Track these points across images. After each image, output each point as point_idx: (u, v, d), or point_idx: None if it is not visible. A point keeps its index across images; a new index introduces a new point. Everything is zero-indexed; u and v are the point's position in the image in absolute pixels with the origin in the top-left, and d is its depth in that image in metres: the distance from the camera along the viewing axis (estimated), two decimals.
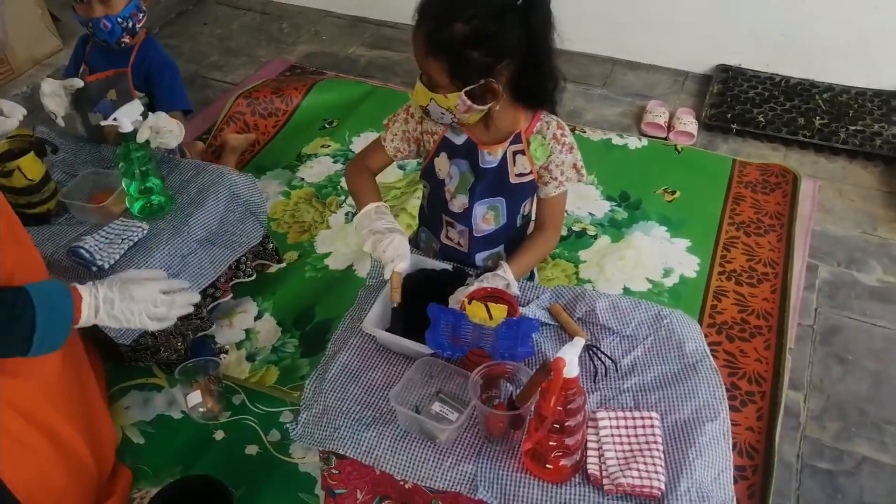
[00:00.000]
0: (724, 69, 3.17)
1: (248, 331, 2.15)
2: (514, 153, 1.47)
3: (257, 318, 2.19)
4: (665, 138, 2.89)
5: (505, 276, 1.48)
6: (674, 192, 2.60)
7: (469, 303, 1.34)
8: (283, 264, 2.33)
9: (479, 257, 1.63)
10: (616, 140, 2.87)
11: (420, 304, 1.49)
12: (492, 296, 1.41)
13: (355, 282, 2.27)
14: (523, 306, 1.52)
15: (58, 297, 1.31)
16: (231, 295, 2.12)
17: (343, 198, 2.61)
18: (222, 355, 2.07)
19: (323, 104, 3.06)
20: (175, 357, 1.96)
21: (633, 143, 2.85)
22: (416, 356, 1.42)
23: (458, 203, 1.54)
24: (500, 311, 1.34)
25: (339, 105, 3.06)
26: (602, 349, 1.46)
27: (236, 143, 2.72)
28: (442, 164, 1.53)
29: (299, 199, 2.62)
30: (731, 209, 2.52)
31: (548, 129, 1.46)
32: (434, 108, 1.36)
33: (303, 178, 2.71)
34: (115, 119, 1.76)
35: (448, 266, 1.59)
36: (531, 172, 1.49)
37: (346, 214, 2.54)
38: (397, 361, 1.47)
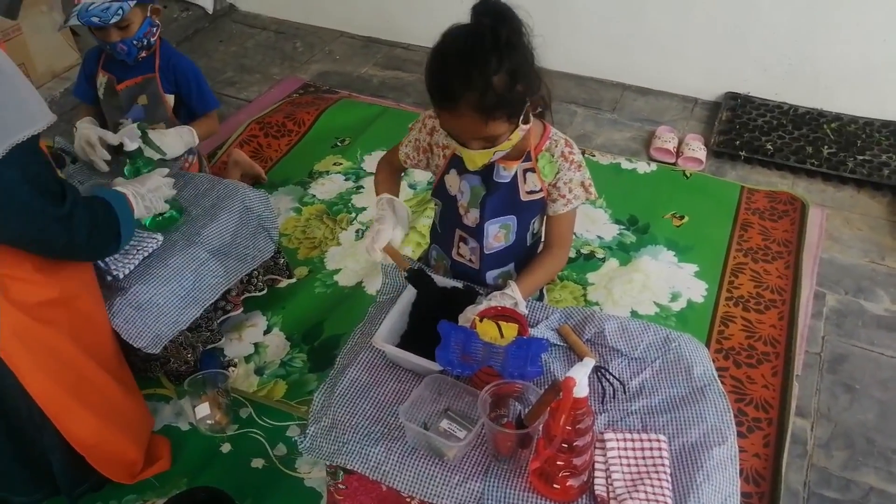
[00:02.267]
0: (733, 97, 3.21)
1: (256, 345, 2.17)
2: (525, 171, 1.50)
3: (266, 332, 2.20)
4: (674, 164, 2.91)
5: (513, 295, 1.49)
6: (682, 217, 2.62)
7: (480, 321, 1.35)
8: (294, 279, 2.34)
9: (490, 275, 1.65)
10: (625, 164, 2.89)
11: (430, 321, 1.50)
12: (501, 315, 1.42)
13: (364, 298, 2.29)
14: (532, 326, 1.52)
15: (119, 198, 1.59)
16: (242, 309, 2.13)
17: (354, 215, 2.64)
18: (231, 368, 2.09)
19: (335, 124, 3.10)
20: (184, 368, 1.97)
21: (642, 167, 2.88)
22: (425, 373, 1.43)
23: (472, 217, 1.56)
24: (510, 330, 1.35)
25: (352, 125, 3.10)
26: (610, 371, 1.47)
27: (240, 158, 2.75)
28: (452, 180, 1.55)
29: (310, 216, 2.64)
30: (739, 235, 2.54)
31: (556, 146, 1.49)
32: (497, 157, 1.41)
33: (314, 195, 2.73)
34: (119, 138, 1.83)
35: (459, 284, 1.61)
36: (541, 190, 1.51)
37: (357, 231, 2.56)
38: (406, 378, 1.48)
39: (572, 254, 2.46)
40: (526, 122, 1.36)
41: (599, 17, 3.26)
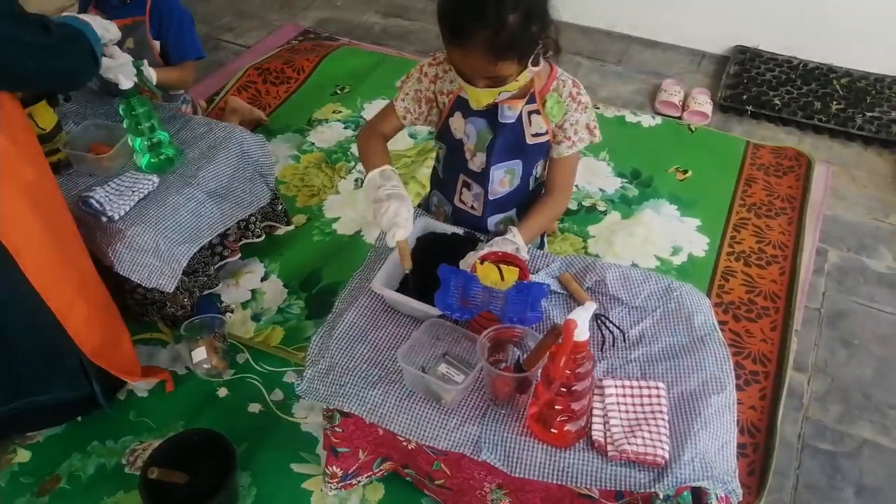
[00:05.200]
0: (741, 50, 3.14)
1: (254, 291, 2.15)
2: (529, 113, 1.46)
3: (264, 278, 2.19)
4: (679, 117, 2.86)
5: (514, 241, 1.47)
6: (686, 172, 2.58)
7: (481, 263, 1.33)
8: (292, 227, 2.32)
9: (492, 221, 1.62)
10: (630, 117, 2.84)
11: (430, 267, 1.48)
12: (502, 260, 1.40)
13: (363, 247, 2.27)
14: (533, 274, 1.51)
15: (79, 21, 1.53)
16: (239, 255, 2.11)
17: (353, 164, 2.60)
18: (228, 314, 2.07)
19: (335, 71, 3.04)
20: (181, 313, 1.96)
21: (647, 121, 2.83)
22: (423, 317, 1.41)
23: (479, 161, 1.53)
24: (511, 274, 1.33)
25: (352, 72, 3.04)
26: (611, 319, 1.46)
27: (238, 105, 2.69)
28: (457, 123, 1.52)
29: (309, 164, 2.60)
30: (743, 191, 2.50)
31: (564, 87, 1.46)
32: (502, 97, 1.37)
33: (313, 143, 2.69)
34: (113, 76, 1.76)
35: (459, 230, 1.59)
36: (546, 132, 1.48)
37: (356, 180, 2.53)
38: (405, 322, 1.47)
39: (574, 206, 2.43)
40: (535, 63, 1.32)
41: None
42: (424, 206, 1.77)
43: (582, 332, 1.12)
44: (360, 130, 1.61)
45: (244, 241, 2.12)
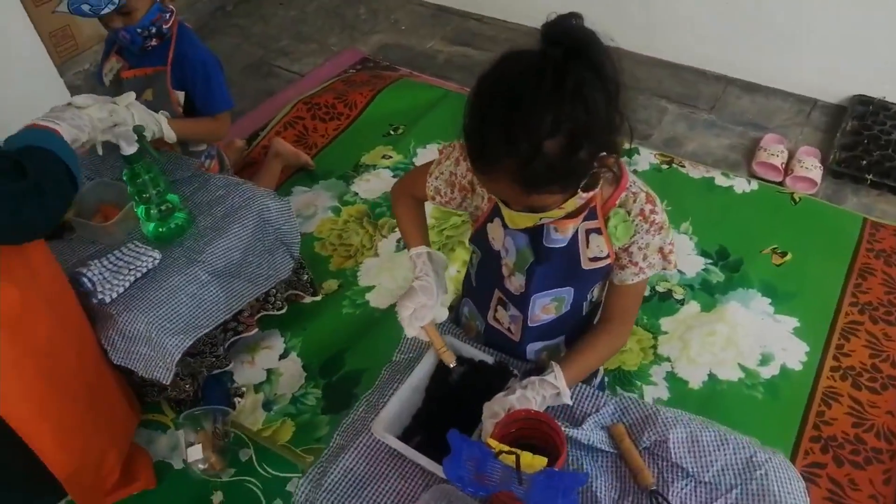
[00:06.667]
0: (863, 101, 2.67)
1: (269, 371, 1.93)
2: (588, 231, 1.15)
3: (282, 356, 1.96)
4: (780, 183, 2.45)
5: (555, 384, 1.17)
6: (784, 255, 2.18)
7: (498, 453, 1.03)
8: (318, 298, 2.08)
9: (532, 349, 1.33)
10: (720, 180, 2.45)
11: (449, 401, 1.26)
12: (531, 427, 1.11)
13: (396, 327, 1.97)
14: (578, 426, 1.21)
15: (47, 135, 1.38)
16: (256, 329, 1.90)
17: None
18: (237, 399, 1.86)
19: (390, 108, 2.79)
20: (184, 396, 1.76)
21: (741, 185, 2.43)
22: (433, 473, 1.16)
23: (516, 284, 1.24)
24: (535, 461, 1.03)
25: (408, 109, 2.78)
26: (668, 497, 1.14)
27: (282, 148, 2.47)
28: (495, 232, 1.23)
29: (349, 218, 2.36)
30: (856, 284, 2.08)
31: (634, 202, 1.13)
32: (545, 220, 1.08)
33: (357, 193, 2.45)
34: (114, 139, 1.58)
35: (489, 359, 1.30)
36: (608, 256, 1.17)
37: (398, 241, 2.27)
38: (412, 474, 1.21)
39: (646, 292, 2.07)
40: (589, 188, 1.01)
41: None
42: (454, 317, 1.48)
43: None
44: (395, 184, 1.40)
45: (263, 313, 1.90)
